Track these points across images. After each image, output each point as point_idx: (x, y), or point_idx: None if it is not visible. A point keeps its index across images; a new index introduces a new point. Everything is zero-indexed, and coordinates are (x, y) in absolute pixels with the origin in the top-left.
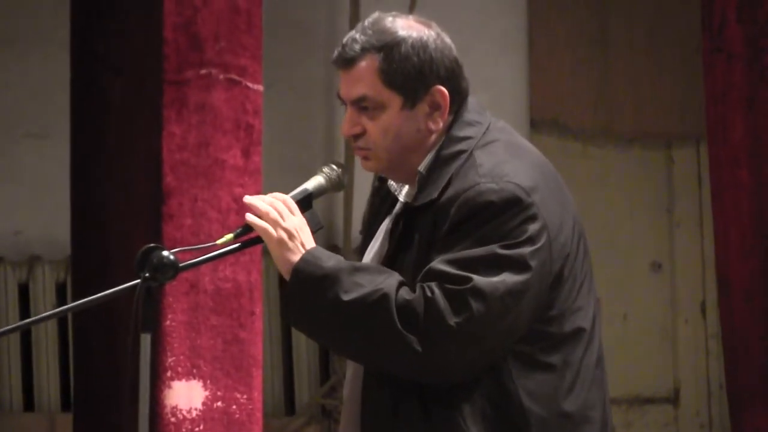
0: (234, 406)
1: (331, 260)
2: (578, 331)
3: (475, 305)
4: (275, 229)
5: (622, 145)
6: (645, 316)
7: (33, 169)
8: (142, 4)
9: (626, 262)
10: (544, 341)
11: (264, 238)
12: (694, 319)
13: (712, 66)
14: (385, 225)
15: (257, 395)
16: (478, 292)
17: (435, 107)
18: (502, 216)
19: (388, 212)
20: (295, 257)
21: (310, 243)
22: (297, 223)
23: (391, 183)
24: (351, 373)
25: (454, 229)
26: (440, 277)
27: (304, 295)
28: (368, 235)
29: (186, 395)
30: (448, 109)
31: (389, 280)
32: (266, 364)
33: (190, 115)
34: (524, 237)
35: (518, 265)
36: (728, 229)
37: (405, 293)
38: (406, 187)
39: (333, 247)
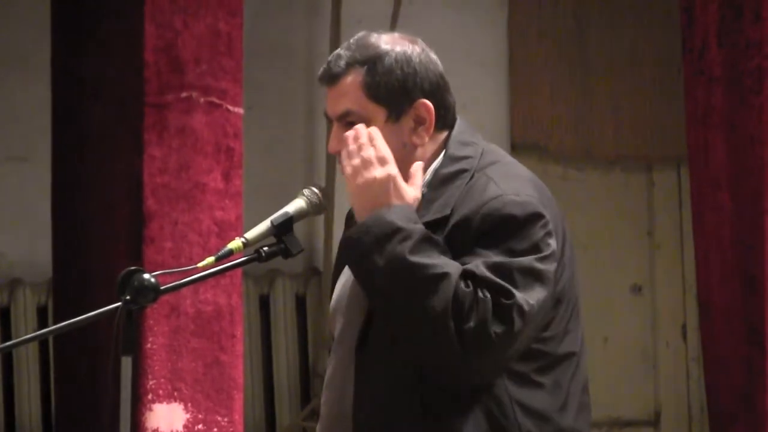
0: (215, 429)
1: (411, 221)
2: (569, 355)
3: (517, 322)
4: (381, 166)
5: (603, 168)
6: (625, 339)
7: (14, 192)
8: (123, 27)
9: (607, 284)
10: (540, 361)
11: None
12: (675, 342)
13: (693, 89)
14: None
15: (238, 418)
16: (521, 311)
17: (420, 121)
18: (529, 228)
19: None
20: (386, 200)
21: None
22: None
23: None
24: (338, 375)
25: (482, 237)
26: (486, 279)
27: (371, 239)
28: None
29: (167, 418)
30: (433, 123)
31: (455, 264)
32: (247, 386)
33: (170, 138)
34: (549, 251)
35: (547, 279)
36: (709, 251)
37: (463, 284)
38: None
39: (313, 270)
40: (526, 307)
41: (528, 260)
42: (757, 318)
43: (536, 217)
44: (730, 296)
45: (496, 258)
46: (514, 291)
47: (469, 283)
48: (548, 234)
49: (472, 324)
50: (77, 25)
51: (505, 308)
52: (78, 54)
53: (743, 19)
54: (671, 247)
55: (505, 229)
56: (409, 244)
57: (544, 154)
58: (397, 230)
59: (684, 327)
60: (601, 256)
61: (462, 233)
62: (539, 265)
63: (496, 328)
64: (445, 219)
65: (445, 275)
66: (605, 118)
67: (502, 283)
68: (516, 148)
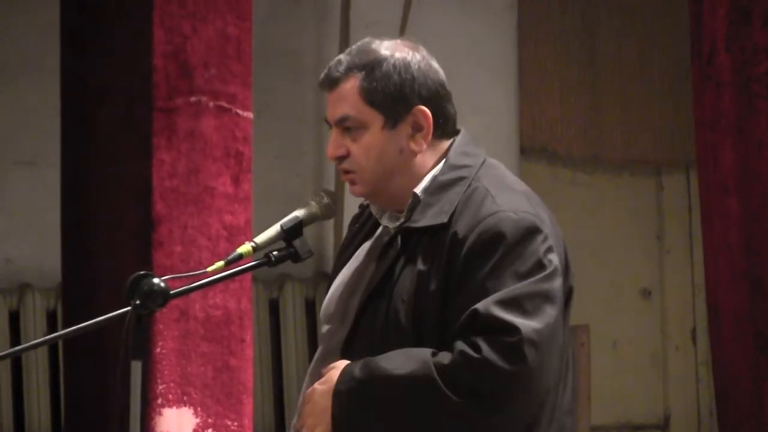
0: None
1: (357, 368)
2: (563, 375)
3: (531, 355)
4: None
5: (612, 172)
6: (635, 343)
7: (23, 197)
8: (132, 32)
9: (616, 288)
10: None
11: None
12: (684, 346)
13: (701, 94)
14: (365, 247)
15: (248, 422)
16: (531, 342)
17: (417, 128)
18: (529, 246)
19: (367, 237)
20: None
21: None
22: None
23: (374, 207)
24: (317, 372)
25: (479, 256)
26: (489, 322)
27: (354, 413)
28: (341, 260)
29: (176, 422)
30: (431, 131)
31: (421, 355)
32: (256, 390)
33: (179, 143)
34: (552, 267)
35: (555, 297)
36: (717, 255)
37: (443, 360)
38: (388, 212)
39: (323, 275)
40: (536, 337)
41: (534, 283)
42: (765, 322)
43: (534, 233)
44: (738, 300)
45: (503, 290)
46: (521, 324)
47: (454, 345)
48: (548, 249)
49: (481, 386)
50: (86, 30)
51: (514, 346)
52: (87, 59)
53: (751, 25)
54: (680, 251)
55: (504, 248)
56: (381, 389)
57: (553, 158)
58: (362, 387)
59: (693, 331)
60: (610, 261)
61: (460, 250)
62: (545, 285)
63: (511, 368)
64: (443, 227)
65: (425, 379)
66: (614, 123)
67: (508, 320)
68: (525, 152)
